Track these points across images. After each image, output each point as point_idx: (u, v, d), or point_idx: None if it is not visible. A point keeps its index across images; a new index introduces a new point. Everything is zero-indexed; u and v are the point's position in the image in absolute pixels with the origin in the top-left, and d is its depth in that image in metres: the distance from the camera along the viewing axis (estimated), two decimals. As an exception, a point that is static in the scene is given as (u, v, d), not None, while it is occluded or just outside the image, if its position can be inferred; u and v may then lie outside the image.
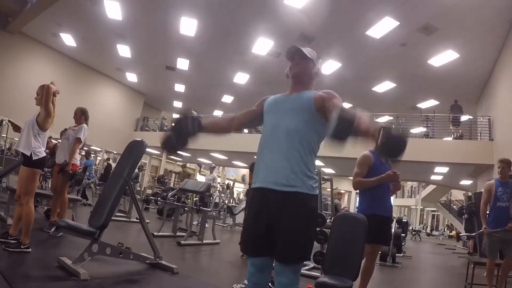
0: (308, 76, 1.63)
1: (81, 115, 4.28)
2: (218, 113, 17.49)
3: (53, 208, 4.15)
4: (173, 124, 1.67)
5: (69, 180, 3.98)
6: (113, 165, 9.94)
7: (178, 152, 1.72)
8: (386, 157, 1.18)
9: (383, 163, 2.65)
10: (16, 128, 3.67)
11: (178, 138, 1.64)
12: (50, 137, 5.80)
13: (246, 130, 11.67)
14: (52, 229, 3.89)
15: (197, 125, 1.63)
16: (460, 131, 10.15)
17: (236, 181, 21.47)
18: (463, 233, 7.74)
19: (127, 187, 3.07)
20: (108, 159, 11.85)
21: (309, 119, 1.49)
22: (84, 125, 4.18)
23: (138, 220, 3.45)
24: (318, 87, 1.66)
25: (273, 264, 1.50)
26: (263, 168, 1.50)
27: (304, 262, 1.65)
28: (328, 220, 3.99)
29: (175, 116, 1.70)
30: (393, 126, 1.28)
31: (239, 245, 1.58)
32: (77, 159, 4.22)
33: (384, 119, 12.95)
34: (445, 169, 11.41)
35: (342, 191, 18.52)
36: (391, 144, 1.20)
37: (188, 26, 9.80)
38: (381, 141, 1.19)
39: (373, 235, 2.36)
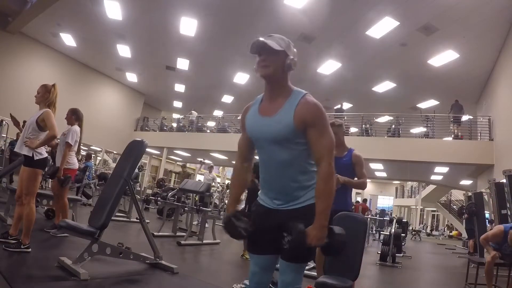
0: (280, 72, 1.40)
1: (72, 116, 4.06)
2: (218, 113, 17.50)
3: (56, 211, 4.15)
4: (229, 233, 1.50)
5: (61, 185, 3.85)
6: (112, 165, 9.97)
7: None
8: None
9: (338, 157, 2.69)
10: (16, 123, 3.66)
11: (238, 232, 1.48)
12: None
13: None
14: (54, 230, 3.90)
15: (245, 220, 1.45)
16: (459, 133, 10.15)
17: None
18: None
19: (127, 187, 3.07)
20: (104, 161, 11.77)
21: (295, 145, 1.39)
22: (74, 127, 3.99)
23: (138, 220, 3.45)
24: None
25: (276, 263, 1.50)
26: (269, 189, 1.49)
27: (307, 262, 1.67)
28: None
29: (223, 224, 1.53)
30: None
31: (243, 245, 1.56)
32: (74, 162, 4.09)
33: (384, 119, 12.96)
34: (445, 169, 11.41)
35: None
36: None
37: (188, 26, 9.80)
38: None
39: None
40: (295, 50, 1.45)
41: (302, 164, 1.42)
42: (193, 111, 15.58)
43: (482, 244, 3.87)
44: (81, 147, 4.44)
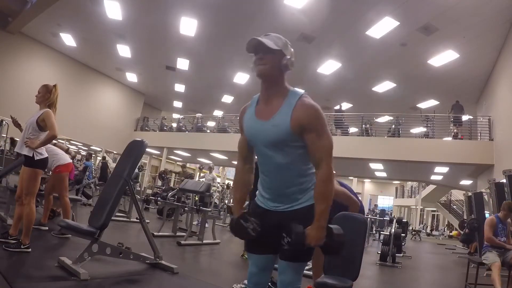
0: (277, 71, 1.38)
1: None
2: (218, 113, 17.50)
3: (44, 209, 4.16)
4: (238, 235, 1.50)
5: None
6: (112, 164, 9.98)
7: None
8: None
9: None
10: (17, 124, 3.66)
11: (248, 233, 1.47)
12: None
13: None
14: (45, 228, 3.92)
15: (253, 221, 1.43)
16: (458, 134, 10.15)
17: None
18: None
19: (127, 187, 3.07)
20: (104, 158, 11.82)
21: (292, 149, 1.38)
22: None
23: (138, 220, 3.45)
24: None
25: (275, 263, 1.50)
26: (267, 191, 1.48)
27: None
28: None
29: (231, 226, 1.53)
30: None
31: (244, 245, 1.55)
32: (66, 158, 4.12)
33: (384, 119, 12.96)
34: (445, 169, 11.41)
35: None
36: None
37: (188, 26, 9.79)
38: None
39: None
40: (292, 50, 1.43)
41: (300, 167, 1.42)
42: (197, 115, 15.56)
43: (491, 242, 3.99)
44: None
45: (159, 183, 13.15)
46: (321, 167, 1.35)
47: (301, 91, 1.41)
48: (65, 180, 4.06)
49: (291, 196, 1.43)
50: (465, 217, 12.50)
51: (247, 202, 2.49)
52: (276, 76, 1.39)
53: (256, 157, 1.56)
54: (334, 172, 1.40)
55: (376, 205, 22.64)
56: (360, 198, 3.18)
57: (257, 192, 1.56)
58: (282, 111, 1.36)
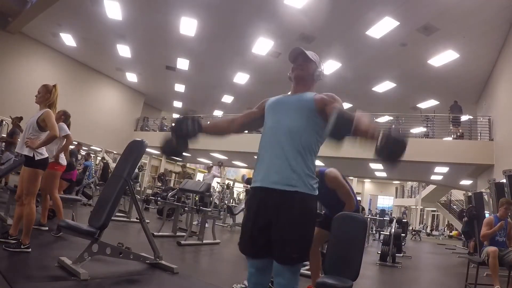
0: (310, 78, 1.65)
1: (61, 116, 4.17)
2: (218, 113, 17.50)
3: (43, 210, 4.15)
4: (172, 125, 1.61)
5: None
6: (112, 164, 9.98)
7: (177, 156, 1.66)
8: (384, 161, 1.20)
9: None
10: (16, 125, 3.67)
11: (178, 140, 1.58)
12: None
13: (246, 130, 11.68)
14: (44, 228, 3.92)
15: (197, 126, 1.58)
16: (460, 130, 10.16)
17: (236, 181, 21.46)
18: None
19: (127, 187, 3.07)
20: (103, 158, 11.84)
21: (310, 119, 1.49)
22: (60, 124, 3.99)
23: (138, 220, 3.45)
24: (319, 88, 1.65)
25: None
26: (263, 167, 1.49)
27: (304, 262, 1.65)
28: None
29: (175, 117, 1.62)
30: (393, 128, 1.19)
31: (238, 246, 1.54)
32: (62, 157, 4.12)
33: (384, 119, 12.96)
34: (445, 169, 11.41)
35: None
36: (390, 148, 1.15)
37: (188, 26, 9.80)
38: (380, 144, 1.15)
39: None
40: (323, 66, 1.72)
41: (308, 142, 1.46)
42: (192, 112, 15.51)
43: (485, 239, 4.05)
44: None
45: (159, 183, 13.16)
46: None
47: None
48: (58, 179, 4.05)
49: (288, 172, 1.42)
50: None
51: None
52: (308, 82, 1.65)
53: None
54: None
55: (378, 211, 22.60)
56: (359, 198, 3.21)
57: (253, 176, 1.58)
58: (308, 93, 1.59)
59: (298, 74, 1.63)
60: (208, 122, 1.74)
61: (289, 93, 1.67)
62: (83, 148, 16.54)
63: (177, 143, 1.59)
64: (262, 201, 1.46)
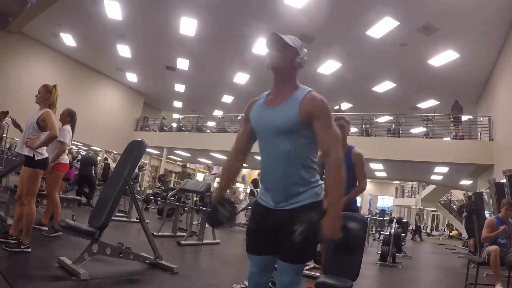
0: (290, 67, 1.46)
1: (67, 117, 4.07)
2: (218, 113, 17.50)
3: (47, 210, 4.14)
4: (209, 219, 1.56)
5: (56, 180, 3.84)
6: (112, 164, 9.97)
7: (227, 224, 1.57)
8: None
9: None
10: (16, 125, 3.66)
11: (221, 222, 1.54)
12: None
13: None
14: (46, 229, 3.91)
15: (229, 209, 1.49)
16: (460, 132, 10.15)
17: (236, 181, 21.44)
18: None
19: (127, 187, 3.07)
20: (106, 159, 11.85)
21: (299, 137, 1.41)
22: (66, 126, 3.96)
23: (138, 220, 3.45)
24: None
25: (275, 263, 1.49)
26: (269, 186, 1.48)
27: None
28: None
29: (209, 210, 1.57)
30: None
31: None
32: (65, 158, 4.06)
33: (384, 119, 12.96)
34: (445, 169, 11.41)
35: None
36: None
37: (188, 26, 9.80)
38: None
39: None
40: (306, 51, 1.52)
41: (305, 157, 1.42)
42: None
43: (487, 241, 4.02)
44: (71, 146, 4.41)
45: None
46: (330, 154, 1.37)
47: (309, 88, 1.47)
48: (61, 179, 4.04)
49: (293, 189, 1.41)
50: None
51: (247, 202, 2.51)
52: (289, 71, 1.46)
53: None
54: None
55: (378, 211, 22.57)
56: (359, 198, 3.24)
57: (258, 191, 1.56)
58: (291, 100, 1.42)
59: (276, 63, 1.45)
60: (223, 177, 1.67)
61: (271, 93, 1.52)
62: (83, 148, 16.52)
63: (220, 221, 1.53)
64: (266, 215, 1.46)
